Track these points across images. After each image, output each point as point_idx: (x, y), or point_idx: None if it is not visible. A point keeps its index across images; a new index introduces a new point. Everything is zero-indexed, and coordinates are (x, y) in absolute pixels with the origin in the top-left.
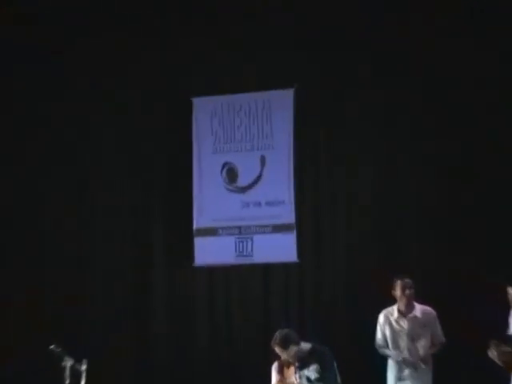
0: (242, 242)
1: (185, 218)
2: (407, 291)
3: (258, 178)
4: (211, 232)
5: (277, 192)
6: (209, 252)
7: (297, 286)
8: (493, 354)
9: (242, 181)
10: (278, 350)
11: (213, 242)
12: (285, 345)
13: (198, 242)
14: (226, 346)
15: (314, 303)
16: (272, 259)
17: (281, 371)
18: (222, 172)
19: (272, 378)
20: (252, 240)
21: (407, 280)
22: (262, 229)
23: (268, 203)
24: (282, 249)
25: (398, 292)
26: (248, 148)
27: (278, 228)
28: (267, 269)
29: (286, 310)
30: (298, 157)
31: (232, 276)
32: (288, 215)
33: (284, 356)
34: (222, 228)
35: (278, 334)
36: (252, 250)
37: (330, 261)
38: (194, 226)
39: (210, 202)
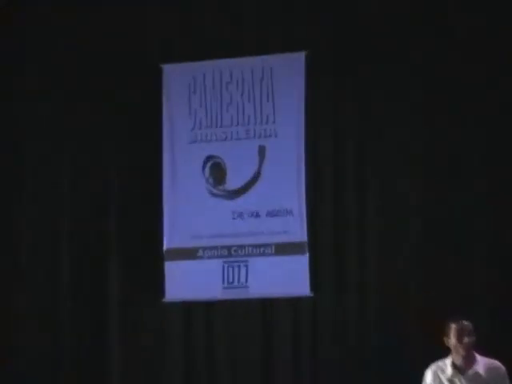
0: (233, 267)
1: (151, 234)
2: (466, 339)
3: (255, 177)
4: (188, 254)
5: (282, 198)
6: (185, 282)
7: (309, 329)
8: None
9: (233, 182)
10: None
11: (191, 269)
12: None
13: (170, 269)
14: None
15: (332, 352)
16: (275, 292)
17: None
18: (204, 169)
19: None
20: (247, 265)
21: (466, 323)
22: (261, 249)
23: (269, 214)
24: (289, 278)
25: (452, 340)
26: (241, 135)
27: (284, 248)
28: (268, 306)
29: (294, 361)
30: (312, 148)
31: (217, 316)
32: (298, 231)
33: None
34: (204, 248)
35: None
36: (247, 280)
37: (356, 294)
38: (165, 247)
39: (187, 211)
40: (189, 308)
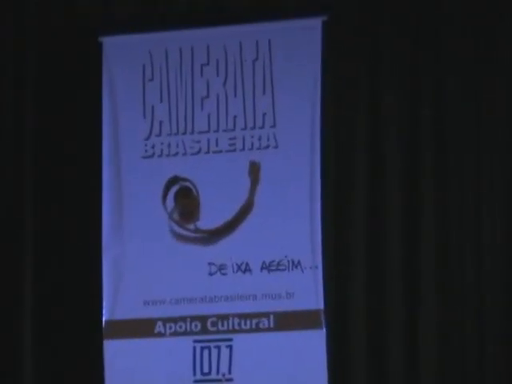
0: (210, 350)
1: (83, 300)
2: None
3: (245, 211)
4: (141, 330)
5: (285, 243)
6: (135, 372)
7: None
8: None
9: (210, 218)
10: None
11: (145, 352)
12: None
13: (112, 352)
14: None
15: None
16: None
17: None
18: (165, 199)
19: None
20: (230, 347)
21: None
22: (254, 322)
23: (266, 267)
24: (296, 366)
25: None
26: (222, 147)
27: (289, 320)
28: None
29: None
30: (334, 166)
31: None
32: (310, 293)
33: None
34: (166, 321)
35: None
36: (230, 369)
37: None
38: (104, 318)
39: (139, 264)
40: None
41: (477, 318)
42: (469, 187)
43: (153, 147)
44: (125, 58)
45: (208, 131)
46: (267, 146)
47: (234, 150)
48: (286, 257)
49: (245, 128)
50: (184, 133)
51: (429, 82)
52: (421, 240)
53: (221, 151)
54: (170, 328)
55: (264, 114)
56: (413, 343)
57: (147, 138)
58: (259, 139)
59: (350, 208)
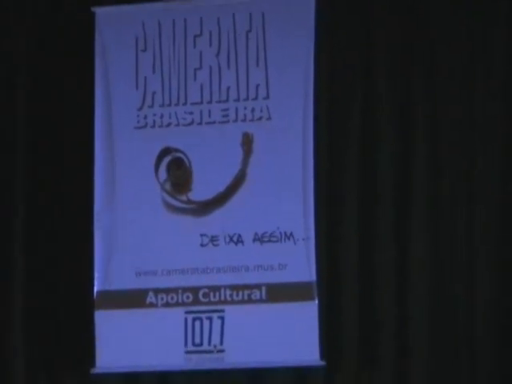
0: (201, 321)
1: (75, 271)
2: None
3: (238, 182)
4: (133, 301)
5: (278, 214)
6: (127, 344)
7: None
8: None
9: (203, 189)
10: None
11: (136, 323)
12: None
13: (105, 323)
14: None
15: None
16: (266, 361)
17: None
18: (157, 170)
19: None
20: (222, 318)
21: None
22: (246, 293)
23: (258, 238)
24: (288, 338)
25: None
26: (215, 118)
27: (281, 292)
28: (255, 382)
29: None
30: (327, 138)
31: None
32: (302, 265)
33: None
34: (157, 291)
35: None
36: (222, 341)
37: (395, 366)
38: (96, 289)
39: (131, 235)
40: (133, 383)
41: (468, 285)
42: (460, 178)
43: (145, 118)
44: (118, 29)
45: (201, 102)
46: (260, 118)
47: (227, 122)
48: (278, 228)
49: (238, 99)
50: (177, 104)
51: (421, 57)
52: (412, 207)
53: (214, 122)
54: (162, 299)
55: (257, 86)
56: (404, 313)
57: (140, 109)
58: (252, 111)
59: (343, 180)
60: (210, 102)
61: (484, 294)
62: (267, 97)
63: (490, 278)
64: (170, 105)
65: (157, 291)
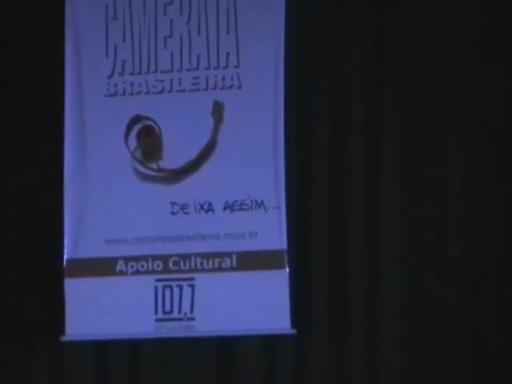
0: (171, 289)
1: (45, 238)
2: None
3: (208, 151)
4: (102, 268)
5: (248, 182)
6: (97, 312)
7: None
8: None
9: (173, 157)
10: None
11: (106, 291)
12: None
13: (74, 291)
14: None
15: None
16: (237, 329)
17: None
18: (127, 137)
19: None
20: (193, 286)
21: None
22: (216, 262)
23: (229, 207)
24: (259, 306)
25: None
26: (186, 86)
27: (251, 260)
28: (225, 350)
29: None
30: (297, 106)
31: (147, 363)
32: (273, 233)
33: None
34: (127, 259)
35: None
36: (192, 309)
37: (363, 331)
38: (65, 257)
39: (101, 203)
40: (103, 351)
41: (437, 244)
42: (433, 139)
43: (115, 86)
44: None
45: (171, 70)
46: (231, 86)
47: (198, 90)
48: (248, 196)
49: (208, 68)
50: (147, 72)
51: (394, 25)
52: (381, 176)
53: (184, 90)
54: (132, 267)
55: (228, 54)
56: (376, 280)
57: (110, 77)
58: (223, 79)
59: (314, 148)
60: (180, 70)
61: (456, 249)
62: (238, 65)
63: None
64: (140, 73)
65: (127, 259)
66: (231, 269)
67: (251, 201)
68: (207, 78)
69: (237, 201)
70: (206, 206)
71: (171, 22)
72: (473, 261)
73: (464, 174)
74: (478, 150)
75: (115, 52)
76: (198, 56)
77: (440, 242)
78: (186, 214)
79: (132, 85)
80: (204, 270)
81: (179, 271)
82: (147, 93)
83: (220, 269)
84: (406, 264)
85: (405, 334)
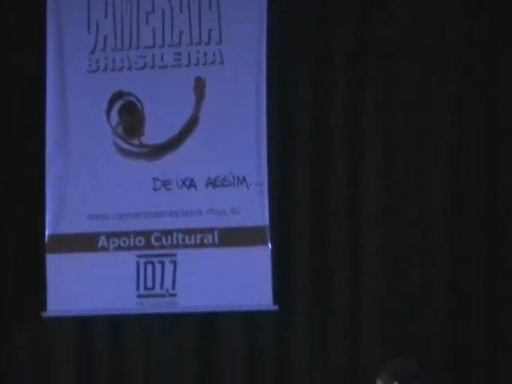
0: (153, 265)
1: (27, 214)
2: None
3: (190, 127)
4: (84, 244)
5: (231, 159)
6: (78, 287)
7: (272, 362)
8: None
9: (155, 133)
10: None
11: (87, 266)
12: None
13: (56, 266)
14: None
15: None
16: (219, 305)
17: None
18: (109, 113)
19: None
20: (174, 262)
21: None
22: (198, 238)
23: (211, 183)
24: (241, 282)
25: None
26: (168, 62)
27: (233, 236)
28: (207, 326)
29: None
30: (280, 83)
31: (128, 340)
32: (255, 209)
33: None
34: (109, 235)
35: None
36: (174, 285)
37: (345, 310)
38: (47, 233)
39: (83, 179)
40: (85, 327)
41: (424, 231)
42: (417, 120)
43: (97, 62)
44: None
45: (153, 46)
46: (213, 62)
47: (180, 66)
48: (231, 173)
49: (190, 44)
50: (129, 48)
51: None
52: (365, 151)
53: (166, 66)
54: (114, 243)
55: (210, 30)
56: (357, 257)
57: (92, 53)
58: (205, 55)
59: (296, 125)
60: (162, 46)
61: (438, 233)
62: (220, 41)
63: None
64: (122, 49)
65: (109, 235)
66: (213, 245)
67: (233, 177)
68: (189, 54)
69: (219, 177)
70: (188, 182)
71: None
72: (456, 257)
73: (447, 172)
74: (461, 148)
75: (97, 28)
76: (180, 32)
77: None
78: (168, 190)
79: (114, 61)
80: (186, 246)
81: (161, 247)
82: (129, 69)
83: (202, 245)
84: (388, 238)
85: (386, 309)
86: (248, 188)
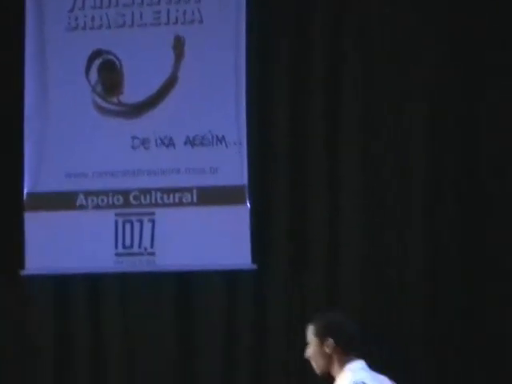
0: (132, 224)
1: (5, 172)
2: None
3: (169, 85)
4: (63, 203)
5: (209, 118)
6: (57, 246)
7: (250, 320)
8: None
9: (134, 92)
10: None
11: (66, 225)
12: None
13: (34, 225)
14: None
15: (281, 352)
16: (197, 264)
17: None
18: (88, 72)
19: None
20: (153, 221)
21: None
22: (177, 196)
23: (190, 141)
24: (219, 241)
25: None
26: (146, 20)
27: (212, 195)
28: (186, 285)
29: (225, 368)
30: (260, 40)
31: (106, 298)
32: (234, 168)
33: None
34: (88, 194)
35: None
36: (152, 243)
37: (323, 268)
38: (26, 190)
39: (61, 137)
40: (63, 285)
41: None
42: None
43: (76, 20)
44: None
45: (132, 4)
46: (192, 21)
47: (159, 24)
48: (210, 132)
49: (169, 2)
50: (108, 6)
51: None
52: (342, 114)
53: (145, 25)
54: (92, 201)
55: None
56: (335, 215)
57: (71, 11)
58: (184, 13)
59: (275, 85)
60: (141, 4)
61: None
62: (199, 0)
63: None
64: (101, 7)
65: (87, 193)
66: (192, 204)
67: (212, 136)
68: (168, 12)
69: (198, 136)
70: (166, 141)
71: None
72: (435, 232)
73: (426, 147)
74: (438, 127)
75: None
76: None
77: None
78: (146, 148)
79: (93, 19)
80: (164, 205)
81: (140, 206)
82: (108, 27)
83: (180, 204)
84: (366, 193)
85: (364, 265)
86: (227, 147)
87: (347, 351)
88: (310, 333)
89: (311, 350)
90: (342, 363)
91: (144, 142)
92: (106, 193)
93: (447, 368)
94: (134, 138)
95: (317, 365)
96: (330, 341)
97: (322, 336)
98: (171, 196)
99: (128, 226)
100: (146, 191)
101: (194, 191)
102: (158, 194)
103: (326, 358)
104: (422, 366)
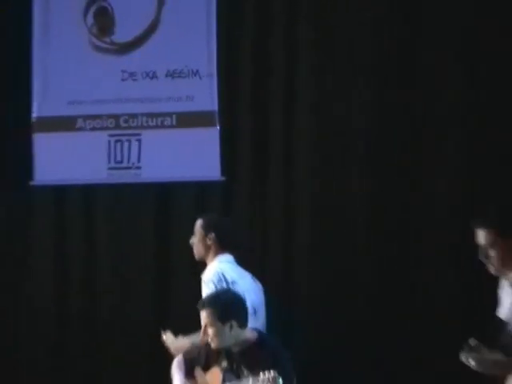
0: (122, 143)
1: (16, 99)
2: None
3: (153, 27)
4: (64, 125)
5: (186, 54)
6: (60, 160)
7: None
8: (469, 361)
9: (123, 32)
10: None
11: (67, 143)
12: None
13: (41, 143)
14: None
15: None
16: (176, 176)
17: (190, 372)
18: (85, 16)
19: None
20: (139, 140)
21: None
22: (159, 120)
23: (170, 74)
24: (194, 157)
25: None
26: None
27: (188, 119)
28: (166, 194)
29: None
30: None
31: (100, 205)
32: (206, 96)
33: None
34: (85, 118)
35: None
36: (139, 159)
37: (281, 179)
38: (34, 115)
39: (63, 70)
40: (63, 194)
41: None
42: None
43: None
44: None
45: None
46: None
47: None
48: (186, 66)
49: None
50: None
51: None
52: (302, 58)
53: None
54: (89, 124)
55: None
56: (290, 135)
57: None
58: None
59: (241, 26)
60: None
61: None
62: None
63: None
64: None
65: (85, 118)
66: (171, 126)
67: (188, 70)
68: None
69: (176, 69)
70: (150, 74)
71: None
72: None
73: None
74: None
75: None
76: None
77: None
78: (134, 80)
79: None
80: (149, 127)
81: (128, 128)
82: None
83: (162, 126)
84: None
85: (318, 171)
86: (201, 79)
87: (223, 246)
88: (198, 225)
89: (196, 239)
90: (215, 255)
91: (132, 75)
92: (100, 117)
93: None
94: (123, 71)
95: (197, 252)
96: (212, 235)
97: (207, 229)
98: (154, 120)
99: (119, 145)
100: (133, 116)
101: (174, 116)
102: (144, 118)
103: (206, 248)
104: None
